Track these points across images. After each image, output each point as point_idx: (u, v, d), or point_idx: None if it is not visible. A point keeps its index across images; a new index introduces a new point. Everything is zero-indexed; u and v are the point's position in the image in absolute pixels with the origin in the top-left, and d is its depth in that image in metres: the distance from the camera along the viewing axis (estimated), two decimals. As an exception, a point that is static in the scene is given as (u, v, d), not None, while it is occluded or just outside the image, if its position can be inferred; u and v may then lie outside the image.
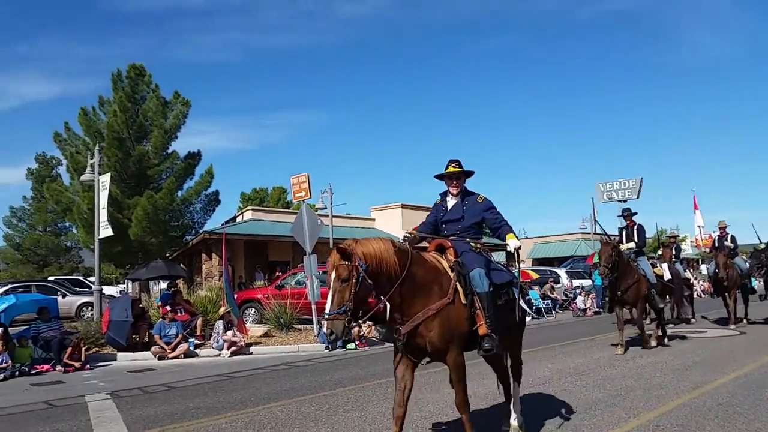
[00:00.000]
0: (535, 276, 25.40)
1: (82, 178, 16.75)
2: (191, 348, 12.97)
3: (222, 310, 13.66)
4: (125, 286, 36.98)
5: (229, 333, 12.99)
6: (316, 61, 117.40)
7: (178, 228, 27.63)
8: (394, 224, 33.59)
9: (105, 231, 15.25)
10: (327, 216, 24.94)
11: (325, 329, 4.31)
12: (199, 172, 27.20)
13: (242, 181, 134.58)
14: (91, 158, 16.33)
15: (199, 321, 14.10)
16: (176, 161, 26.42)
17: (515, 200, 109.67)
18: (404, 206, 35.79)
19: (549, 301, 22.23)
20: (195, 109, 26.77)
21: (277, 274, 25.37)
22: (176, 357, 12.43)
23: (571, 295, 23.56)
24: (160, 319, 13.12)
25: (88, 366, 11.62)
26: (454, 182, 5.40)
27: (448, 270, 4.83)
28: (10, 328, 12.58)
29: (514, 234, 5.31)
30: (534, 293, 21.32)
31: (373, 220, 37.21)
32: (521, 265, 6.34)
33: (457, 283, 4.75)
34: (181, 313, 14.06)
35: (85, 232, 24.10)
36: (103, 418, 7.13)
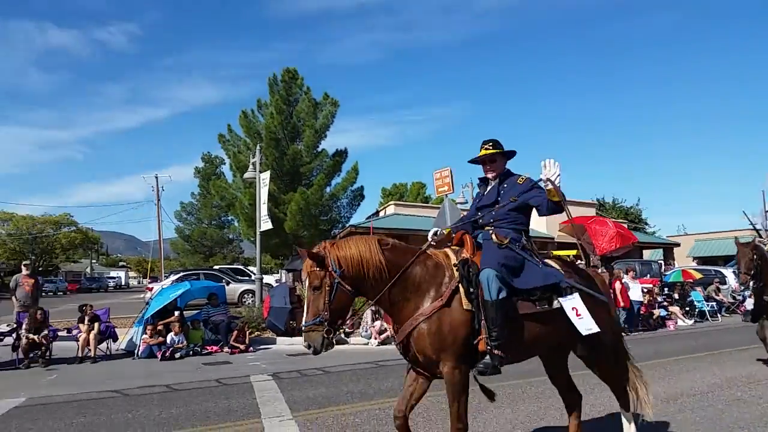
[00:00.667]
0: (698, 276, 23.39)
1: (245, 175, 18.14)
2: (342, 336, 13.60)
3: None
4: (279, 275, 39.56)
5: (377, 323, 13.44)
6: (455, 55, 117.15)
7: (327, 222, 29.04)
8: (534, 215, 32.62)
9: (265, 224, 16.41)
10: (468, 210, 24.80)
11: (303, 342, 4.00)
12: (345, 168, 28.43)
13: (383, 177, 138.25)
14: (252, 158, 17.63)
15: (349, 310, 14.68)
16: (325, 159, 27.80)
17: (675, 192, 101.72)
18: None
19: (714, 303, 20.38)
20: (341, 108, 28.12)
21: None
22: (329, 344, 13.07)
23: (740, 298, 21.38)
24: (315, 308, 13.86)
25: (251, 348, 12.61)
26: (488, 166, 4.59)
27: (454, 269, 4.15)
28: (184, 312, 14.02)
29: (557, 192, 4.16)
30: (697, 294, 19.67)
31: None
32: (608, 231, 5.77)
33: (460, 284, 4.06)
34: (333, 302, 14.72)
35: (246, 225, 26.15)
36: (268, 398, 7.71)
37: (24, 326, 10.98)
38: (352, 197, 28.96)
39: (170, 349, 11.69)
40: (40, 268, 58.10)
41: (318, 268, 3.95)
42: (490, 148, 4.55)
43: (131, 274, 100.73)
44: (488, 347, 3.94)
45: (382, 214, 34.54)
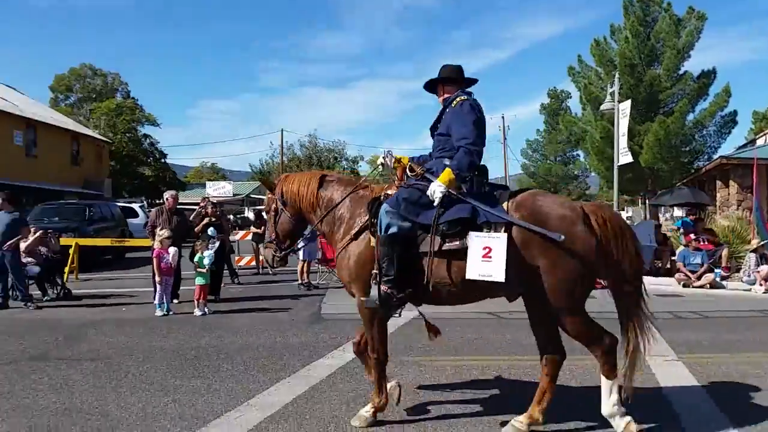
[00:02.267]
0: None
1: (602, 107, 17.41)
2: (717, 279, 12.24)
3: (755, 242, 12.36)
4: (626, 212, 37.50)
5: (764, 267, 11.68)
6: None
7: (689, 153, 26.17)
8: None
9: (624, 158, 15.59)
10: None
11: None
12: (713, 92, 24.95)
13: (754, 98, 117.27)
14: (611, 87, 16.75)
15: (725, 252, 13.13)
16: (689, 82, 24.86)
17: None
18: None
19: None
20: (708, 21, 24.59)
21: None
22: (702, 286, 11.96)
23: None
24: (684, 247, 12.78)
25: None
26: (438, 91, 4.40)
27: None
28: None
29: (452, 172, 3.88)
30: None
31: None
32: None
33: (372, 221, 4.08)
34: (703, 242, 13.37)
35: (597, 159, 25.29)
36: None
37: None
38: (721, 124, 25.41)
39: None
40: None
41: (270, 195, 4.69)
42: (446, 73, 4.35)
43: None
44: (375, 282, 3.94)
45: (761, 142, 29.42)
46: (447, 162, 4.03)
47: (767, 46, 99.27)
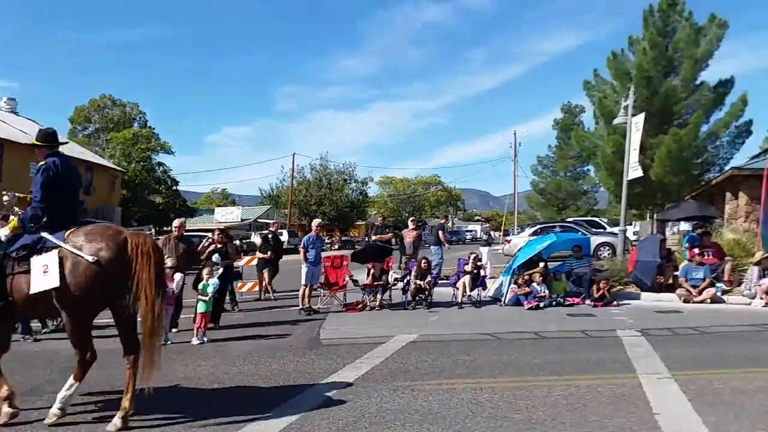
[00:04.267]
0: None
1: (615, 121, 17.36)
2: (718, 293, 12.15)
3: (758, 255, 12.29)
4: (635, 227, 37.20)
5: (765, 281, 11.62)
6: None
7: (699, 165, 25.97)
8: None
9: (635, 172, 15.55)
10: None
11: None
12: (729, 101, 24.71)
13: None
14: (625, 100, 16.71)
15: (728, 266, 13.06)
16: (705, 92, 24.68)
17: None
18: None
19: None
20: (730, 29, 24.36)
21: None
22: (702, 301, 11.89)
23: None
24: (687, 262, 12.73)
25: (615, 302, 12.26)
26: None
27: None
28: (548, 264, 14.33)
29: (17, 221, 5.23)
30: None
31: None
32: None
33: None
34: (708, 256, 13.30)
35: (607, 174, 25.19)
36: (640, 353, 7.44)
37: (413, 273, 12.81)
38: (735, 134, 25.14)
39: (536, 298, 12.16)
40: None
41: None
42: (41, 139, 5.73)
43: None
44: None
45: (773, 151, 29.09)
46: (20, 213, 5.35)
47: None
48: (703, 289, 12.02)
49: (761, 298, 11.52)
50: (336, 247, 44.00)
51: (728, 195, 25.14)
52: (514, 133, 48.44)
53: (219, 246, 11.14)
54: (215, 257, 10.78)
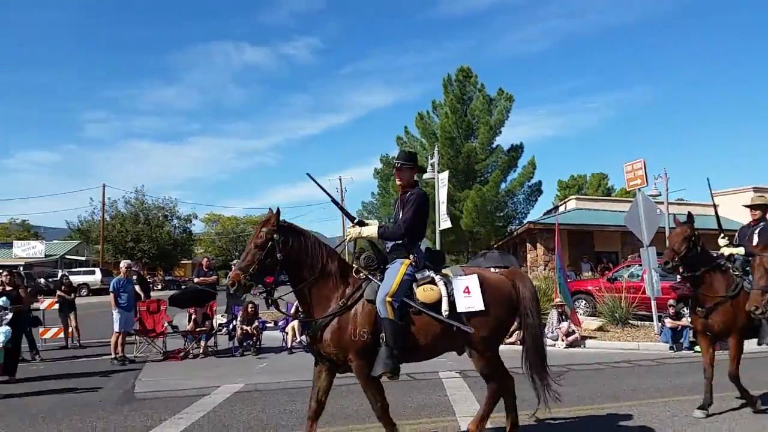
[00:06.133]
0: None
1: (425, 176, 18.57)
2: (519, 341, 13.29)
3: (557, 300, 13.71)
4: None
5: (564, 324, 12.97)
6: (631, 38, 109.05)
7: (503, 218, 28.75)
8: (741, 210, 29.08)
9: (445, 223, 16.71)
10: (663, 203, 22.94)
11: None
12: (521, 164, 27.96)
13: (556, 169, 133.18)
14: (431, 158, 18.03)
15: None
16: (500, 155, 27.60)
17: None
18: (757, 189, 30.66)
19: None
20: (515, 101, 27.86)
21: (606, 265, 24.39)
22: (511, 344, 12.91)
23: None
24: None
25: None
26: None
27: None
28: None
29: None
30: None
31: (716, 206, 32.72)
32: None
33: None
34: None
35: (424, 223, 26.78)
36: (459, 396, 7.83)
37: (239, 318, 12.32)
38: (528, 192, 28.42)
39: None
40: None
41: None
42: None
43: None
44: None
45: (562, 209, 33.27)
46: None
47: (567, 124, 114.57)
48: (513, 331, 13.05)
49: (562, 340, 12.80)
50: (159, 287, 40.90)
51: (528, 245, 28.13)
52: (340, 179, 49.74)
53: (9, 289, 9.80)
54: (2, 300, 9.36)
